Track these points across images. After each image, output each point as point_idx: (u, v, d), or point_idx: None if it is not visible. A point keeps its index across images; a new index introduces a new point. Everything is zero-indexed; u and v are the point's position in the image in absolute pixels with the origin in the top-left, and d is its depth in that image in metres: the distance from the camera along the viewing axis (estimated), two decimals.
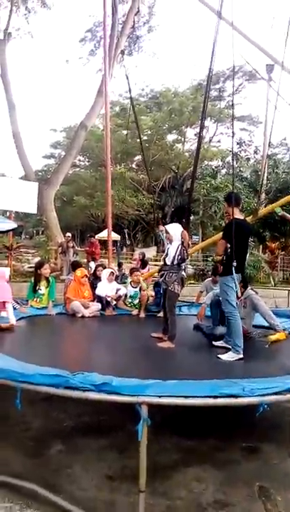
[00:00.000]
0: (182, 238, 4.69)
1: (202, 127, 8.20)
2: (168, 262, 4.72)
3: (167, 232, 4.80)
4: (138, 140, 9.40)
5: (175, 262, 4.66)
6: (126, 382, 2.56)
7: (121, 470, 3.04)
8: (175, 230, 4.79)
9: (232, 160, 14.71)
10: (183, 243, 4.68)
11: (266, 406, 2.43)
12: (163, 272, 4.77)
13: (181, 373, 3.09)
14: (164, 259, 4.83)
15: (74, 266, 7.19)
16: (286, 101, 7.57)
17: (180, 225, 4.94)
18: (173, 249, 4.69)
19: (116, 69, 17.67)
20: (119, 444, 3.38)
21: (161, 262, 4.97)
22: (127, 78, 7.17)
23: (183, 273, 4.81)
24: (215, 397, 2.43)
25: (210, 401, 2.42)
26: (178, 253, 4.64)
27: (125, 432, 3.50)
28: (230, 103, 32.20)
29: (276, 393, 2.53)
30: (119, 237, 28.58)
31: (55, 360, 3.38)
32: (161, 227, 5.12)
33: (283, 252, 20.00)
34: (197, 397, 2.42)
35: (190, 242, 4.70)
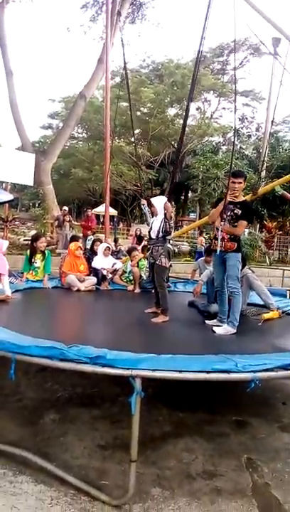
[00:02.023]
0: (164, 210, 4.65)
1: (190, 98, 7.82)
2: (153, 236, 4.70)
3: (152, 205, 4.76)
4: (132, 113, 8.99)
5: (160, 235, 4.63)
6: (121, 355, 2.58)
7: (113, 440, 3.11)
8: (159, 202, 4.74)
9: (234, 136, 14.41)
10: (165, 215, 4.64)
11: (257, 382, 2.47)
12: (149, 246, 4.74)
13: (175, 348, 3.11)
14: (149, 232, 4.80)
15: (71, 240, 7.18)
16: None
17: (164, 197, 4.88)
18: (157, 223, 4.66)
19: (118, 37, 17.08)
20: (111, 414, 3.45)
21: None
22: (122, 41, 6.76)
23: (169, 245, 4.80)
24: (208, 372, 2.46)
25: (203, 376, 2.45)
26: (162, 226, 4.60)
27: (118, 403, 3.58)
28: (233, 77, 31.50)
29: (267, 370, 2.56)
30: (116, 212, 28.40)
31: (50, 333, 3.38)
32: (143, 201, 5.06)
33: (280, 232, 20.01)
34: (191, 371, 2.45)
35: (172, 214, 4.65)
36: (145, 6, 21.54)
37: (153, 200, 4.81)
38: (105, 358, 2.46)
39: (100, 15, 21.02)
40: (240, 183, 4.22)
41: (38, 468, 2.65)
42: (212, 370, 2.46)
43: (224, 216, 4.21)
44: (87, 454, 2.92)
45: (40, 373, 4.16)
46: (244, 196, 4.52)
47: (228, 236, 4.16)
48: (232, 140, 31.36)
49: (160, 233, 4.62)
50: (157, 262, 4.65)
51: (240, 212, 4.15)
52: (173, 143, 29.19)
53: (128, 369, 2.38)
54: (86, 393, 3.89)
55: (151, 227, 4.74)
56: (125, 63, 6.94)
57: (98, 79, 17.32)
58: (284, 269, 11.84)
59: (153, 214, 4.75)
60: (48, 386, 3.99)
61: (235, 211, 4.16)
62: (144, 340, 3.85)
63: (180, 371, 2.45)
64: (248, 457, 3.04)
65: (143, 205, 5.02)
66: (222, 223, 4.20)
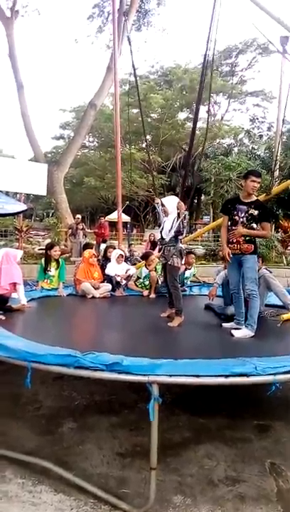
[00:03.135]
0: (177, 209, 4.61)
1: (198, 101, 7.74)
2: (165, 236, 4.67)
3: (163, 205, 4.73)
4: (143, 119, 8.99)
5: (172, 235, 4.60)
6: (137, 361, 2.54)
7: (132, 447, 3.07)
8: (170, 202, 4.72)
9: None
10: (179, 214, 4.60)
11: (278, 385, 2.40)
12: (160, 247, 4.71)
13: (192, 352, 3.05)
14: (160, 232, 4.77)
15: (85, 247, 7.22)
16: None
17: (176, 197, 4.86)
18: (169, 223, 4.63)
19: (125, 45, 17.23)
20: (130, 422, 3.41)
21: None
22: (129, 42, 6.73)
23: (181, 245, 4.76)
24: (227, 376, 2.40)
25: (222, 380, 2.39)
26: (174, 226, 4.57)
27: (136, 410, 3.54)
28: (243, 78, 31.43)
29: (287, 372, 2.49)
30: (129, 218, 28.45)
31: (65, 341, 3.38)
32: (157, 200, 5.06)
33: None
34: (208, 376, 2.39)
35: (186, 213, 4.62)
36: (150, 13, 21.69)
37: (163, 200, 4.80)
38: (121, 365, 2.43)
39: (106, 25, 21.27)
40: (259, 182, 4.16)
41: (57, 478, 2.63)
42: (230, 373, 2.40)
43: (237, 218, 4.14)
44: (106, 463, 2.88)
45: (58, 382, 4.15)
46: (257, 196, 4.44)
47: (243, 238, 4.08)
48: (244, 142, 31.34)
49: (172, 233, 4.58)
50: (169, 262, 4.62)
51: (257, 212, 4.08)
52: (183, 147, 29.17)
53: (144, 375, 2.34)
54: (104, 400, 3.85)
55: (163, 228, 4.72)
56: (134, 68, 6.94)
57: (107, 87, 17.46)
58: None
59: (166, 214, 4.72)
60: (66, 394, 3.97)
61: (250, 212, 4.09)
62: (160, 345, 3.80)
63: (197, 376, 2.39)
64: (271, 462, 2.95)
65: (157, 203, 5.01)
66: (237, 226, 4.12)
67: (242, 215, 4.10)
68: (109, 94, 19.87)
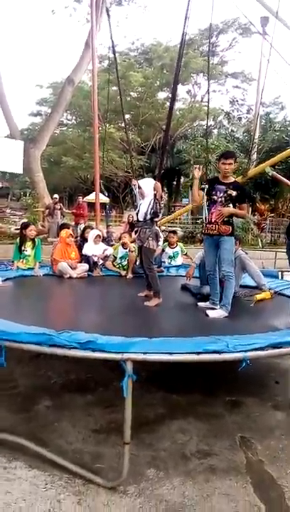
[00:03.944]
0: (154, 190, 4.61)
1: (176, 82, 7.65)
2: (141, 218, 4.67)
3: (139, 187, 4.72)
4: (121, 98, 8.78)
5: (148, 217, 4.61)
6: (111, 339, 2.56)
7: (107, 424, 3.12)
8: (147, 184, 4.71)
9: None
10: (155, 196, 4.59)
11: (248, 361, 2.47)
12: (136, 229, 4.71)
13: (167, 331, 3.11)
14: (136, 215, 4.76)
15: (61, 228, 7.15)
16: (282, 56, 7.26)
17: (152, 179, 4.84)
18: (145, 205, 4.62)
19: (105, 20, 16.68)
20: (105, 399, 3.45)
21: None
22: (108, 15, 6.52)
23: (157, 227, 4.77)
24: (199, 353, 2.45)
25: (194, 357, 2.44)
26: (150, 208, 4.57)
27: (111, 388, 3.57)
28: (223, 59, 31.12)
29: (258, 349, 2.56)
30: (108, 200, 28.15)
31: (41, 320, 3.35)
32: (134, 182, 5.04)
33: (272, 214, 20.01)
34: (181, 353, 2.44)
35: (163, 194, 4.64)
36: None
37: (140, 182, 4.77)
38: (96, 343, 2.44)
39: None
40: (231, 163, 4.17)
41: (33, 454, 2.64)
42: (203, 351, 2.46)
43: (215, 198, 4.16)
44: (81, 439, 2.92)
45: (34, 361, 4.15)
46: (235, 178, 4.46)
47: (222, 219, 4.11)
48: (223, 124, 31.23)
49: (148, 215, 4.59)
50: (145, 245, 4.63)
51: (235, 193, 4.11)
52: (163, 128, 28.82)
53: (119, 353, 2.36)
54: (80, 379, 3.88)
55: (139, 210, 4.70)
56: (113, 44, 6.75)
57: (86, 63, 16.98)
58: (277, 251, 11.85)
59: (142, 196, 4.70)
60: (42, 373, 3.97)
61: (229, 192, 4.12)
62: (136, 324, 3.83)
63: (170, 353, 2.43)
64: (242, 436, 3.06)
65: (135, 185, 4.97)
66: (215, 206, 4.14)
67: (221, 194, 4.13)
68: (88, 70, 19.33)
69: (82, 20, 22.43)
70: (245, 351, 2.49)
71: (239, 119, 30.61)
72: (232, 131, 28.04)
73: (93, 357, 2.43)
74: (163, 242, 7.42)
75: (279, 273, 6.66)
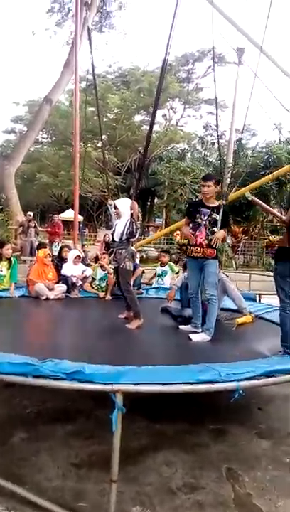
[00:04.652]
0: (131, 210, 4.58)
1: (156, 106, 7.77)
2: (117, 238, 4.61)
3: (115, 207, 4.67)
4: (100, 118, 8.84)
5: (124, 238, 4.55)
6: (99, 369, 2.43)
7: (88, 457, 2.95)
8: (123, 204, 4.67)
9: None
10: (132, 215, 4.56)
11: (241, 391, 2.40)
12: (112, 250, 4.65)
13: (153, 358, 3.01)
14: (112, 235, 4.71)
15: (38, 247, 6.97)
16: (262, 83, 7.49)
17: (129, 199, 4.83)
18: (121, 225, 4.56)
19: (85, 43, 16.94)
20: (85, 430, 3.29)
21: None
22: (89, 34, 6.58)
23: (133, 248, 4.73)
24: (192, 383, 2.36)
25: (188, 387, 2.35)
26: (126, 228, 4.51)
27: (92, 418, 3.42)
28: (198, 86, 32.16)
29: (250, 378, 2.51)
30: (82, 218, 28.01)
31: (20, 347, 3.19)
32: (110, 201, 4.99)
33: (245, 237, 20.45)
34: (175, 383, 2.34)
35: (139, 214, 4.62)
36: (112, 15, 21.56)
37: (117, 202, 4.73)
38: (83, 373, 2.30)
39: (66, 21, 20.85)
40: (209, 186, 4.20)
41: (8, 494, 2.45)
42: (196, 381, 2.37)
43: (199, 221, 4.16)
44: (62, 474, 2.74)
45: (8, 389, 3.92)
46: (219, 202, 4.52)
47: (206, 242, 4.11)
48: (197, 148, 31.98)
49: (124, 235, 4.52)
50: (121, 266, 4.54)
51: (219, 217, 4.13)
52: (139, 149, 29.25)
53: (108, 384, 2.24)
54: (58, 408, 3.69)
55: (115, 230, 4.64)
56: (93, 63, 6.76)
57: (64, 83, 17.10)
58: (251, 273, 12.03)
59: (118, 216, 4.65)
60: (17, 402, 3.75)
61: (213, 216, 4.13)
62: (121, 349, 3.71)
63: (163, 384, 2.33)
64: (228, 467, 2.96)
65: (110, 205, 4.92)
66: (199, 228, 4.14)
67: (205, 218, 4.14)
68: (65, 91, 19.46)
69: (62, 42, 22.79)
70: (238, 380, 2.42)
71: (213, 143, 31.47)
72: (205, 155, 28.79)
73: (81, 388, 2.29)
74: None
75: (257, 296, 6.70)
